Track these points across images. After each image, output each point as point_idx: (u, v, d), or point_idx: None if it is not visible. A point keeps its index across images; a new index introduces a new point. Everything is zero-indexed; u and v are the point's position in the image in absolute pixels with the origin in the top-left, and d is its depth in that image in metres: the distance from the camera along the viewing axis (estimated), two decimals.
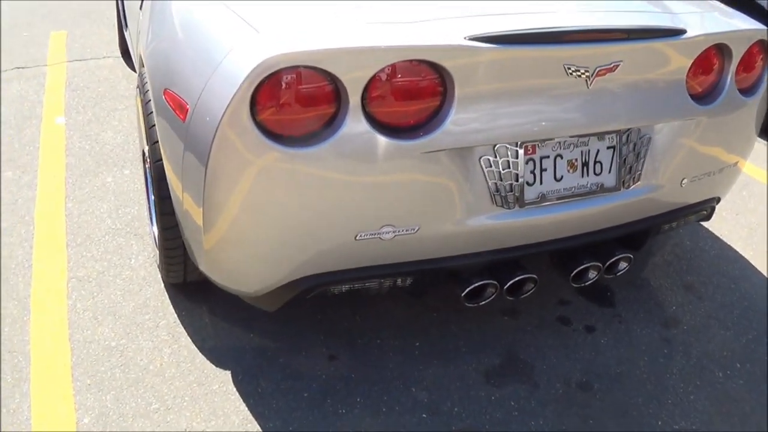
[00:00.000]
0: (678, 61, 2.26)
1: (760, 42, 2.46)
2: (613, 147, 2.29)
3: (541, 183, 2.21)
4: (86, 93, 4.69)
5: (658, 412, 2.41)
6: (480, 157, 2.09)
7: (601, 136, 2.26)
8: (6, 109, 4.46)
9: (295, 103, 1.87)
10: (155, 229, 2.85)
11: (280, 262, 2.08)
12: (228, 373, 2.43)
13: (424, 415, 2.33)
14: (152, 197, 2.94)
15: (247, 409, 2.31)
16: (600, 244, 2.49)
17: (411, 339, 2.62)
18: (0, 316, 2.66)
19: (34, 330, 2.61)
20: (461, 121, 1.99)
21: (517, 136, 2.10)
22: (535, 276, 2.36)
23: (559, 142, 2.20)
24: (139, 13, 3.06)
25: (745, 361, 2.65)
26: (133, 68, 5.12)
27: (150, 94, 2.45)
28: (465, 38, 1.93)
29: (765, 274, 3.14)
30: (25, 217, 3.30)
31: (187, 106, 2.01)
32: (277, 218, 1.98)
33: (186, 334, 2.59)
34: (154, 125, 2.38)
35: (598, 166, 2.29)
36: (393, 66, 1.89)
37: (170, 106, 2.15)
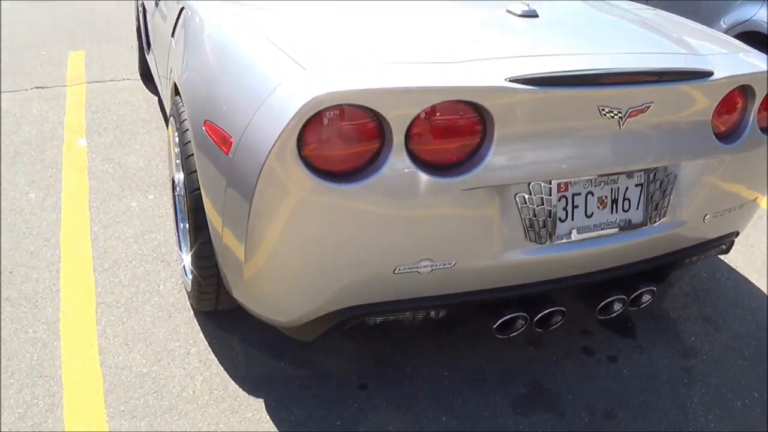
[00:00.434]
0: (704, 102, 2.33)
1: None
2: (641, 184, 2.35)
3: (572, 219, 2.26)
4: (107, 115, 4.75)
5: None
6: (515, 194, 2.14)
7: (630, 174, 2.32)
8: (27, 130, 4.51)
9: (340, 139, 1.92)
10: (185, 257, 2.89)
11: (319, 293, 2.12)
12: (261, 401, 2.47)
13: None
14: (181, 225, 2.99)
15: None
16: (625, 277, 2.53)
17: (439, 369, 2.66)
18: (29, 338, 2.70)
19: (65, 355, 2.65)
20: (499, 160, 2.05)
21: (551, 174, 2.16)
22: (563, 309, 2.41)
23: (591, 180, 2.25)
24: (171, 40, 3.12)
25: (763, 390, 2.70)
26: (153, 91, 5.19)
27: (187, 124, 2.50)
28: (505, 80, 1.99)
29: None
30: (50, 240, 3.34)
31: (231, 140, 2.06)
32: (319, 251, 2.03)
33: (217, 361, 2.63)
34: (192, 155, 2.43)
35: (626, 202, 2.34)
36: (436, 105, 1.94)
37: (211, 138, 2.20)
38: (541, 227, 2.21)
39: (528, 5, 2.50)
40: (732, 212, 2.66)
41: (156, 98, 5.08)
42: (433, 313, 2.30)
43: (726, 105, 2.42)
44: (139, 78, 5.43)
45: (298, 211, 1.95)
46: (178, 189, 3.02)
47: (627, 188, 2.33)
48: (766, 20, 4.52)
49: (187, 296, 2.92)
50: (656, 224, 2.43)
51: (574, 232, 2.27)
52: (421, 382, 2.60)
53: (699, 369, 2.79)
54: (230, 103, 2.15)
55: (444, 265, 2.14)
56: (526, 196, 2.16)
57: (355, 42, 2.24)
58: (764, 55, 2.66)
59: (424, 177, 1.99)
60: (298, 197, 1.93)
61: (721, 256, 3.51)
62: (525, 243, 2.21)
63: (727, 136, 2.47)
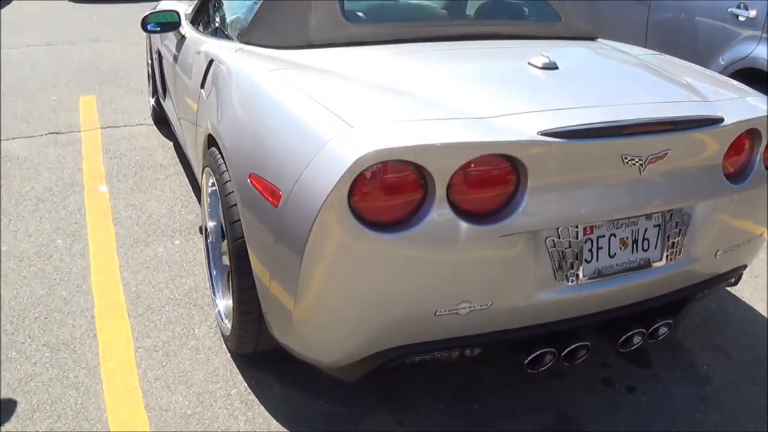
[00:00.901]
0: (716, 146, 2.49)
1: None
2: (659, 225, 2.50)
3: (597, 260, 2.41)
4: (124, 161, 4.89)
5: None
6: (546, 238, 2.29)
7: (649, 216, 2.47)
8: (47, 176, 4.64)
9: (387, 192, 2.07)
10: (220, 302, 3.02)
11: (364, 336, 2.26)
12: None
13: None
14: (215, 272, 3.12)
15: None
16: (643, 311, 2.68)
17: (470, 402, 2.79)
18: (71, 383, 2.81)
19: (109, 399, 2.76)
20: (532, 207, 2.20)
21: (578, 219, 2.31)
22: (588, 343, 2.55)
23: (613, 223, 2.41)
24: (201, 92, 3.26)
25: None
26: (167, 136, 5.32)
27: (228, 175, 2.63)
28: (538, 133, 2.15)
29: None
30: (82, 287, 3.46)
31: (280, 193, 2.21)
32: (365, 297, 2.17)
33: (258, 401, 2.75)
34: (235, 205, 2.57)
35: (645, 243, 2.50)
36: (475, 159, 2.10)
37: (259, 191, 2.34)
38: (569, 268, 2.36)
39: (548, 57, 2.66)
40: (741, 247, 2.81)
41: (171, 143, 5.22)
42: (468, 352, 2.44)
43: (735, 147, 2.58)
44: (152, 123, 5.57)
45: (347, 261, 2.10)
46: (211, 237, 3.15)
47: (646, 229, 2.48)
48: (764, 57, 4.70)
49: (223, 339, 3.04)
50: (672, 262, 2.58)
51: (599, 271, 2.42)
52: (454, 416, 2.73)
53: (713, 396, 2.92)
54: (278, 158, 2.30)
55: (481, 306, 2.28)
56: (555, 240, 2.31)
57: (392, 98, 2.40)
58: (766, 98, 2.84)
59: (464, 225, 2.13)
60: (347, 248, 2.08)
61: (729, 288, 3.66)
62: (554, 283, 2.35)
63: (736, 176, 2.63)
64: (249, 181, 2.42)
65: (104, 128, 5.48)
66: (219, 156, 2.77)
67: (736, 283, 3.06)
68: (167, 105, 4.67)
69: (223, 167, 2.70)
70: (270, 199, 2.27)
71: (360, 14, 3.31)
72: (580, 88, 2.57)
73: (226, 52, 3.17)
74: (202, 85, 3.26)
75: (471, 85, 2.54)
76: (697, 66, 3.38)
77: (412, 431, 2.65)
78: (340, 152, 2.05)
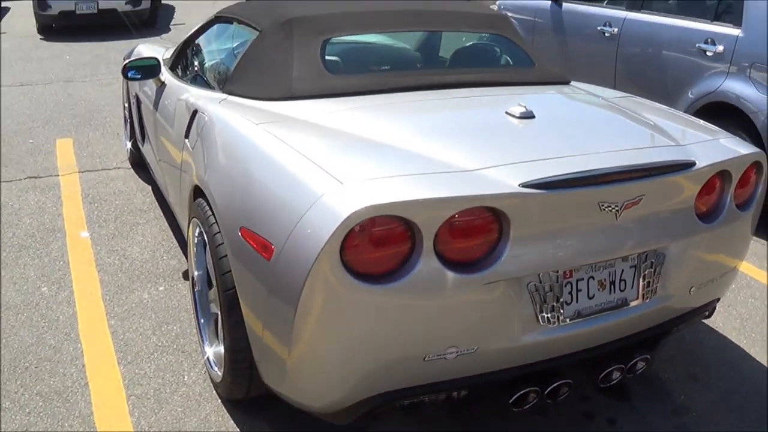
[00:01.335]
0: (689, 188, 2.62)
1: (755, 163, 2.82)
2: (635, 266, 2.61)
3: (577, 301, 2.51)
4: (104, 206, 4.93)
5: None
6: (528, 283, 2.39)
7: (625, 258, 2.58)
8: (28, 222, 4.67)
9: (377, 245, 2.16)
10: (209, 350, 3.07)
11: (357, 382, 2.33)
12: None
13: None
14: (202, 320, 3.17)
15: None
16: (622, 348, 2.78)
17: None
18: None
19: None
20: (515, 255, 2.31)
21: (558, 265, 2.42)
22: (570, 380, 2.65)
23: (591, 266, 2.51)
24: (185, 141, 3.32)
25: None
26: (146, 180, 5.37)
27: (218, 227, 2.71)
28: (519, 185, 2.25)
29: (760, 360, 3.46)
30: (70, 335, 3.50)
31: (273, 247, 2.29)
32: (357, 345, 2.26)
33: None
34: (225, 257, 2.64)
35: (622, 283, 2.60)
36: (461, 211, 2.20)
37: (250, 244, 2.42)
38: (550, 311, 2.45)
39: (525, 107, 2.78)
40: (714, 282, 2.93)
41: (149, 187, 5.27)
42: (455, 394, 2.53)
43: (706, 188, 2.70)
44: (130, 167, 5.61)
45: (340, 312, 2.18)
46: (198, 285, 3.21)
47: (623, 270, 2.59)
48: (732, 91, 4.86)
49: (213, 386, 3.09)
50: (648, 300, 2.68)
51: (579, 312, 2.52)
52: None
53: (691, 424, 3.03)
54: (268, 213, 2.38)
55: (468, 350, 2.37)
56: (537, 284, 2.41)
57: (377, 151, 2.50)
58: (737, 138, 2.98)
59: (450, 275, 2.23)
60: (340, 299, 2.16)
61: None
62: (537, 325, 2.45)
63: (708, 215, 2.76)
64: (240, 234, 2.49)
65: (82, 172, 5.52)
66: (207, 208, 2.84)
67: (710, 316, 3.18)
68: (146, 149, 4.72)
69: (212, 219, 2.77)
70: (262, 252, 2.34)
71: (341, 65, 3.42)
72: (557, 138, 2.69)
73: (211, 103, 3.25)
74: (187, 135, 3.33)
75: (452, 137, 2.64)
76: (669, 108, 3.52)
77: None
78: (332, 208, 2.13)
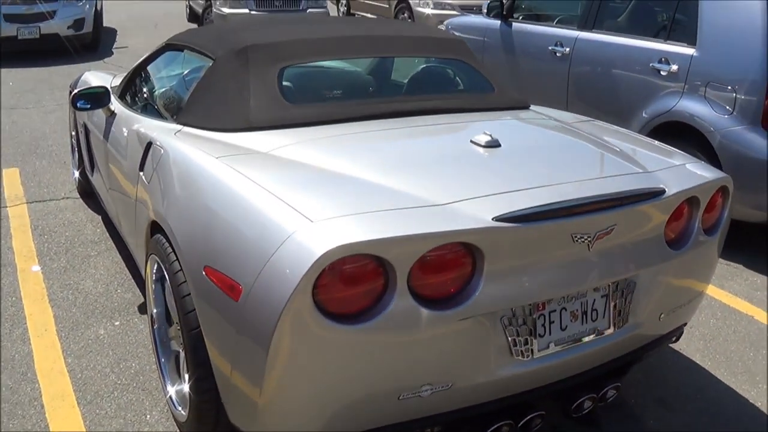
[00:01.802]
0: (658, 217, 2.61)
1: (722, 188, 2.83)
2: (606, 295, 2.60)
3: (550, 334, 2.48)
4: (55, 238, 4.78)
5: None
6: (501, 317, 2.35)
7: (596, 288, 2.56)
8: None
9: (350, 284, 2.10)
10: (171, 388, 2.97)
11: (328, 422, 2.27)
12: None
13: None
14: (163, 359, 3.07)
15: None
16: (594, 377, 2.76)
17: None
18: None
19: None
20: (489, 290, 2.27)
21: (531, 298, 2.38)
22: (543, 412, 2.62)
23: (564, 297, 2.49)
24: (140, 174, 3.22)
25: None
26: (95, 210, 5.23)
27: (179, 265, 2.61)
28: (492, 219, 2.22)
29: (726, 381, 3.48)
30: (27, 374, 3.36)
31: (240, 288, 2.21)
32: (331, 384, 2.19)
33: None
34: (188, 295, 2.55)
35: (594, 313, 2.58)
36: (434, 247, 2.15)
37: (215, 284, 2.34)
38: (524, 344, 2.42)
39: (490, 135, 2.75)
40: (682, 308, 2.94)
41: (99, 217, 5.13)
42: (429, 431, 2.47)
43: (675, 215, 2.70)
44: (79, 196, 5.47)
45: (313, 353, 2.11)
46: (157, 323, 3.11)
47: (594, 300, 2.57)
48: (687, 110, 4.90)
49: (177, 425, 2.98)
50: (620, 329, 2.67)
51: (552, 344, 2.49)
52: None
53: None
54: (234, 251, 2.30)
55: (443, 387, 2.32)
56: (510, 318, 2.37)
57: (343, 185, 2.44)
58: (702, 163, 2.99)
59: (424, 312, 2.18)
60: (312, 340, 2.10)
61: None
62: (511, 359, 2.41)
63: (677, 242, 2.76)
64: (204, 273, 2.41)
65: (30, 203, 5.36)
66: (167, 245, 2.74)
67: (677, 340, 3.19)
68: (96, 179, 4.58)
69: (173, 257, 2.68)
70: (229, 293, 2.27)
71: (299, 93, 3.35)
72: (526, 168, 2.66)
73: (166, 134, 3.15)
74: (142, 168, 3.22)
75: (419, 169, 2.60)
76: (631, 132, 3.53)
77: None
78: (303, 247, 2.07)
